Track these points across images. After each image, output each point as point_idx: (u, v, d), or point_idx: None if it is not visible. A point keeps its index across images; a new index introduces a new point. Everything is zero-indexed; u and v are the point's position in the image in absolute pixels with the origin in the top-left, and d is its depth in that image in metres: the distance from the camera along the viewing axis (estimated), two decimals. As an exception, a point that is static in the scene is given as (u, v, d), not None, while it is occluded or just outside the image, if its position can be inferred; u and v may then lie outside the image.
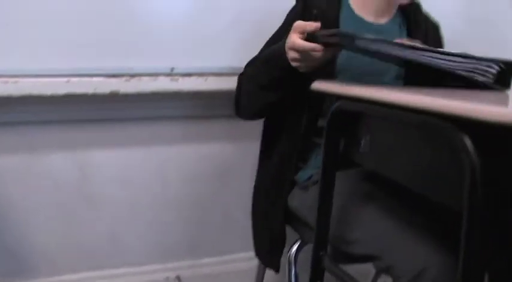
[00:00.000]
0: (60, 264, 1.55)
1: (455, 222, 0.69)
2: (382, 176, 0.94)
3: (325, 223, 1.01)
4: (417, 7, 1.41)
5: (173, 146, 1.61)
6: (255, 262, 1.47)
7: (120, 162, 1.56)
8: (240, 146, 1.67)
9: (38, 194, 1.49)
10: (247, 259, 1.67)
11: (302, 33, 1.05)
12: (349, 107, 0.86)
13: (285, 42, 1.10)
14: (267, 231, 1.33)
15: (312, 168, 1.26)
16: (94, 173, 1.54)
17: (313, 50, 1.02)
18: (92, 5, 1.38)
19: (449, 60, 0.87)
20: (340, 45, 1.00)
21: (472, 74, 0.89)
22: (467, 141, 0.66)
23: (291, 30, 1.07)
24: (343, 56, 1.23)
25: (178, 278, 1.68)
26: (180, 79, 1.44)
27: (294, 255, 1.30)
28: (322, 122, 1.21)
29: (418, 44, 0.90)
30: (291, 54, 1.08)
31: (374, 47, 0.88)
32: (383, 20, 1.35)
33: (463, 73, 0.87)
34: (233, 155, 1.67)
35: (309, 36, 1.02)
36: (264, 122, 1.38)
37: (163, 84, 1.43)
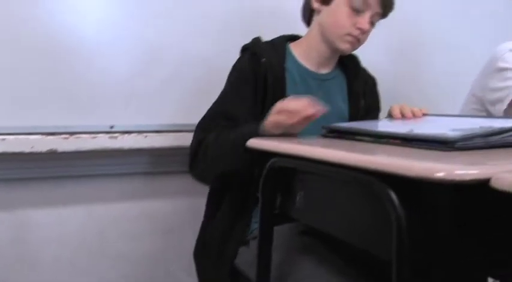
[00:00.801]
0: None
1: (388, 271, 0.72)
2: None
3: (265, 279, 1.01)
4: (356, 59, 1.49)
5: (114, 203, 1.59)
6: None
7: (59, 221, 1.52)
8: (183, 203, 1.66)
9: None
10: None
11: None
12: (283, 163, 0.90)
13: (258, 126, 1.13)
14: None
15: (254, 223, 1.27)
16: (31, 234, 1.49)
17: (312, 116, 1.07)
18: (30, 62, 1.37)
19: (502, 138, 0.90)
20: None
21: None
22: (393, 195, 0.70)
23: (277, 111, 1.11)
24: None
25: None
26: (120, 137, 1.44)
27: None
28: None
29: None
30: (278, 117, 1.10)
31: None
32: (325, 70, 1.42)
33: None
34: (176, 212, 1.66)
35: None
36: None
37: (103, 142, 1.43)
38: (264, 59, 1.30)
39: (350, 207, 0.82)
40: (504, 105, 1.48)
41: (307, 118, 1.07)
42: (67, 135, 1.39)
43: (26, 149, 1.35)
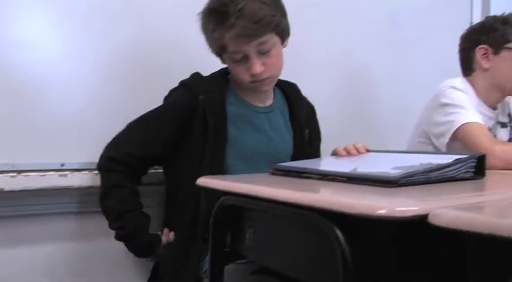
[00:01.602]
0: None
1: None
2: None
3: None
4: (296, 87, 1.51)
5: (65, 242, 1.55)
6: None
7: (6, 262, 1.47)
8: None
9: None
10: None
11: None
12: (232, 201, 0.91)
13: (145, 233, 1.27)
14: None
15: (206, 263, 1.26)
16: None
17: None
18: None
19: (442, 174, 0.94)
20: None
21: (458, 176, 0.97)
22: (338, 232, 0.72)
23: None
24: (232, 152, 1.29)
25: None
26: (70, 175, 1.42)
27: None
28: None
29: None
30: None
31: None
32: (267, 103, 1.42)
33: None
34: (126, 250, 1.63)
35: None
36: (163, 216, 1.39)
37: (52, 180, 1.40)
38: (201, 97, 1.30)
39: (297, 244, 0.84)
40: (446, 139, 1.55)
41: None
42: (14, 174, 1.36)
43: (-29, 188, 1.31)
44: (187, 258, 1.27)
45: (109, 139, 1.48)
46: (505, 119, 1.80)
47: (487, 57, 1.67)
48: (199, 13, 1.31)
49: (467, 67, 1.74)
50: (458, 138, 1.53)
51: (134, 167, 1.32)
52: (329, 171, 0.98)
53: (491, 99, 1.70)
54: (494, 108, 1.74)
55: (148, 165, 1.39)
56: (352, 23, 2.00)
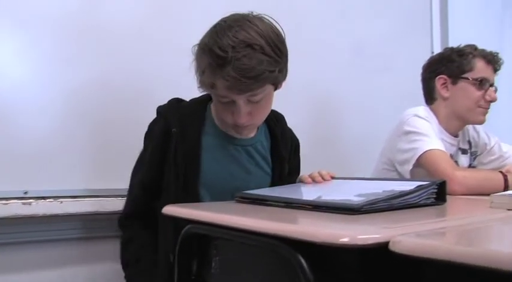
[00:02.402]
0: None
1: None
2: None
3: None
4: (283, 121, 1.47)
5: (28, 272, 1.51)
6: None
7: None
8: (105, 268, 1.60)
9: None
10: None
11: None
12: (198, 230, 0.91)
13: None
14: None
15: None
16: None
17: None
18: None
19: (404, 200, 0.97)
20: None
21: (420, 202, 1.00)
22: (301, 260, 0.73)
23: None
24: (207, 175, 1.28)
25: None
26: (34, 203, 1.40)
27: None
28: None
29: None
30: None
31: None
32: (248, 135, 1.36)
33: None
34: (96, 279, 1.60)
35: None
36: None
37: (15, 209, 1.37)
38: (174, 129, 1.27)
39: (263, 272, 0.84)
40: (410, 166, 1.58)
41: None
42: (-25, 202, 1.33)
43: None
44: None
45: (72, 166, 1.46)
46: (466, 146, 1.86)
47: (446, 87, 1.73)
48: (196, 44, 1.23)
49: (429, 96, 1.79)
50: (422, 165, 1.57)
51: (142, 218, 1.31)
52: (293, 199, 0.99)
53: (452, 127, 1.76)
54: (455, 135, 1.79)
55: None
56: (319, 52, 2.04)
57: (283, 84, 1.28)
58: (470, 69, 1.70)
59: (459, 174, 1.45)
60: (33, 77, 1.46)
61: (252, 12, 1.23)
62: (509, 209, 0.97)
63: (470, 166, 1.85)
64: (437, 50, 2.38)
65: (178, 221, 1.12)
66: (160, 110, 1.34)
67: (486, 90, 1.69)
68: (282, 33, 1.23)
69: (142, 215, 1.31)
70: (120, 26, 1.58)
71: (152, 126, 1.35)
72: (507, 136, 2.54)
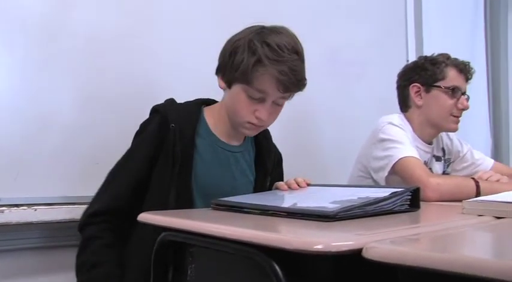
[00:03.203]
0: None
1: None
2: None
3: None
4: (268, 134, 1.49)
5: (2, 281, 1.48)
6: None
7: None
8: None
9: None
10: None
11: None
12: (173, 237, 0.91)
13: None
14: None
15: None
16: None
17: None
18: None
19: (379, 207, 0.98)
20: None
21: (394, 208, 1.02)
22: (276, 268, 0.73)
23: None
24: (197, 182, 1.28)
25: None
26: (7, 211, 1.37)
27: None
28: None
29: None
30: None
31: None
32: (235, 142, 1.39)
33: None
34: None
35: None
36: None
37: (-13, 217, 1.35)
38: (172, 125, 1.26)
39: (238, 279, 0.84)
40: (385, 173, 1.60)
41: None
42: None
43: None
44: None
45: (47, 173, 1.44)
46: (440, 153, 1.89)
47: (420, 95, 1.76)
48: (239, 38, 1.28)
49: (404, 104, 1.82)
50: (397, 172, 1.59)
51: (114, 218, 1.25)
52: (269, 206, 0.99)
53: (426, 134, 1.79)
54: (429, 143, 1.82)
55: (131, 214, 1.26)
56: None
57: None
58: (443, 78, 1.73)
59: (433, 181, 1.47)
60: (4, 84, 1.43)
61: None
62: (480, 215, 0.99)
63: (444, 173, 1.88)
64: (413, 58, 2.42)
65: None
66: (158, 107, 1.33)
67: (458, 99, 1.72)
68: None
69: (117, 214, 1.25)
70: (95, 32, 1.56)
71: (146, 124, 1.33)
72: (478, 144, 2.61)
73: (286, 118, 2.04)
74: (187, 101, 1.39)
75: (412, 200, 1.08)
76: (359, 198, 0.98)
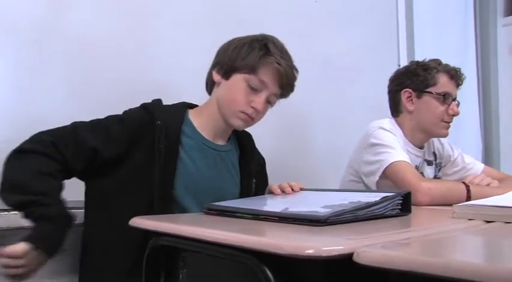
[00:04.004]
0: None
1: None
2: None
3: None
4: (251, 138, 1.51)
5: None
6: None
7: None
8: None
9: None
10: None
11: None
12: (165, 242, 0.91)
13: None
14: None
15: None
16: None
17: None
18: None
19: (370, 211, 0.98)
20: None
21: (385, 213, 1.02)
22: (267, 272, 0.73)
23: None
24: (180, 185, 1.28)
25: None
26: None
27: None
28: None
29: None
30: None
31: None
32: (220, 142, 1.42)
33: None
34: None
35: None
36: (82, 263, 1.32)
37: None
38: (158, 122, 1.28)
39: (230, 284, 0.84)
40: (376, 177, 1.60)
41: None
42: None
43: None
44: None
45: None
46: (431, 158, 1.90)
47: (411, 100, 1.77)
48: (243, 38, 1.38)
49: (395, 109, 1.83)
50: (388, 177, 1.59)
51: (65, 159, 1.20)
52: (261, 211, 1.00)
53: (417, 139, 1.80)
54: (420, 147, 1.83)
55: (79, 166, 1.24)
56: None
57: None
58: (434, 84, 1.74)
59: (424, 185, 1.48)
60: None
61: None
62: (470, 219, 1.00)
63: (435, 177, 1.89)
64: (404, 62, 2.43)
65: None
66: (146, 104, 1.35)
67: (449, 105, 1.73)
68: None
69: (67, 167, 1.21)
70: (90, 33, 1.56)
71: (131, 113, 1.33)
72: (469, 148, 2.63)
73: (280, 123, 2.06)
74: (172, 104, 1.41)
75: (403, 205, 1.08)
76: (350, 202, 0.98)
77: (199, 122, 1.39)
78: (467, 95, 2.77)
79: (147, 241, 1.00)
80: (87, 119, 1.43)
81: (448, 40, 2.94)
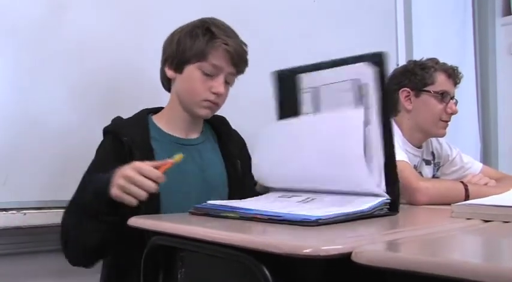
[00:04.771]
0: None
1: None
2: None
3: None
4: (225, 121, 1.51)
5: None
6: None
7: None
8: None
9: None
10: None
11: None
12: (163, 242, 0.91)
13: (110, 178, 1.10)
14: None
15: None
16: None
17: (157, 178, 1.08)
18: None
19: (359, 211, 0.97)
20: None
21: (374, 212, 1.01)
22: (266, 271, 0.73)
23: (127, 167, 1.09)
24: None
25: None
26: (-5, 214, 1.37)
27: None
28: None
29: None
30: (120, 181, 1.08)
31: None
32: (194, 135, 1.42)
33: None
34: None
35: None
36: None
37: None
38: (125, 138, 1.29)
39: (228, 284, 0.84)
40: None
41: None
42: None
43: None
44: None
45: (36, 177, 1.43)
46: (429, 157, 1.90)
47: (410, 99, 1.77)
48: (182, 29, 1.37)
49: (393, 108, 1.83)
50: (386, 176, 1.59)
51: None
52: (252, 211, 0.98)
53: (415, 139, 1.80)
54: (419, 147, 1.83)
55: None
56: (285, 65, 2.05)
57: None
58: (432, 83, 1.74)
59: (423, 185, 1.48)
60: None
61: None
62: (468, 218, 1.00)
63: (433, 176, 1.89)
64: (402, 61, 2.43)
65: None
66: (107, 128, 1.36)
67: (447, 103, 1.74)
68: None
69: None
70: (89, 33, 1.56)
71: (100, 147, 1.35)
72: (467, 148, 2.63)
73: (273, 120, 2.06)
74: (133, 115, 1.41)
75: (391, 205, 1.07)
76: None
77: (165, 123, 1.40)
78: (466, 94, 2.77)
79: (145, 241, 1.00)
80: (87, 119, 1.44)
81: (446, 40, 2.94)
